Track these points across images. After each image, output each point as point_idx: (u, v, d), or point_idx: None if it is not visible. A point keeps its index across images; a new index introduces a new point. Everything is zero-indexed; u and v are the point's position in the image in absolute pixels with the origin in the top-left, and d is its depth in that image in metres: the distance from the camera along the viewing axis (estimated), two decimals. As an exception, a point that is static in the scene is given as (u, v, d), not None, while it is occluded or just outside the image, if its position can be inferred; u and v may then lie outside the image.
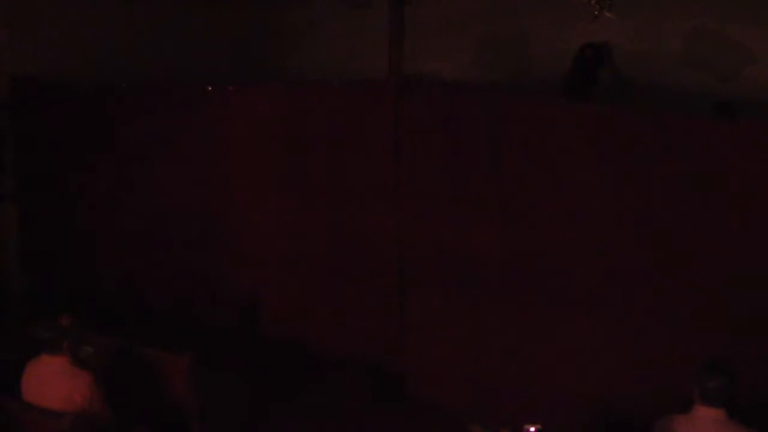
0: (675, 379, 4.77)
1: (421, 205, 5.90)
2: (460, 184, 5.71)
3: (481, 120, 5.57)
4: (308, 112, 6.36)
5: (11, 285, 7.84)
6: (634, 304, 5.13)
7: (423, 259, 5.92)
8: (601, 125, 5.20)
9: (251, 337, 6.67)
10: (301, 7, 9.66)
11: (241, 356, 6.53)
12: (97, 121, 7.40)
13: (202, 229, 7.00)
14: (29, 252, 7.99)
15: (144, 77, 7.96)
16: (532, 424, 4.35)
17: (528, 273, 5.47)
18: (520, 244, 5.49)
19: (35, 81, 7.65)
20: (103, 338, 5.06)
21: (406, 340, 6.06)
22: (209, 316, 6.92)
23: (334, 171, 6.29)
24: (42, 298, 7.45)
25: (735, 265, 4.80)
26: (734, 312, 4.81)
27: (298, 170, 6.44)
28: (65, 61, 7.80)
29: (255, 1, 9.41)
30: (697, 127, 5.01)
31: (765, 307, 4.72)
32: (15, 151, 7.86)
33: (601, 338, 5.24)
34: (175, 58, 8.52)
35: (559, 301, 5.36)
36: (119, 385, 4.74)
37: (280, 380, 6.32)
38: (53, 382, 4.48)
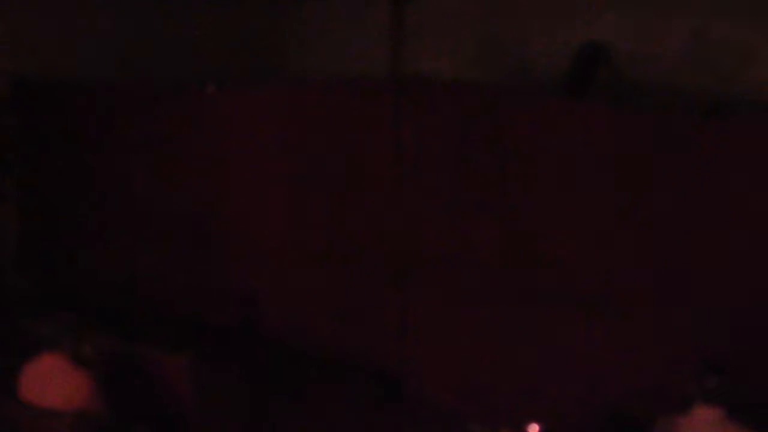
0: (675, 379, 4.78)
1: (421, 205, 5.89)
2: (461, 183, 5.70)
3: (482, 119, 5.57)
4: (308, 111, 6.36)
5: (11, 284, 7.83)
6: (634, 305, 5.13)
7: (424, 259, 5.91)
8: (601, 125, 5.20)
9: (251, 338, 6.67)
10: (301, 7, 9.65)
11: (241, 356, 6.53)
12: (98, 121, 7.40)
13: (202, 228, 7.00)
14: (29, 251, 7.99)
15: (145, 77, 7.95)
16: (532, 424, 4.35)
17: (528, 273, 5.47)
18: (521, 244, 5.49)
19: (36, 81, 7.64)
20: (103, 338, 5.05)
21: (407, 340, 6.06)
22: (209, 316, 6.92)
23: (334, 171, 6.29)
24: (42, 298, 7.44)
25: (735, 264, 4.81)
26: (734, 311, 4.81)
27: (298, 170, 6.44)
28: (66, 60, 7.79)
29: (255, 1, 9.40)
30: (697, 126, 5.01)
31: (765, 306, 4.73)
32: (15, 151, 7.85)
33: (602, 339, 5.24)
34: (176, 58, 8.51)
35: (559, 301, 5.36)
36: (119, 385, 4.74)
37: (280, 380, 6.31)
38: (53, 381, 4.48)
